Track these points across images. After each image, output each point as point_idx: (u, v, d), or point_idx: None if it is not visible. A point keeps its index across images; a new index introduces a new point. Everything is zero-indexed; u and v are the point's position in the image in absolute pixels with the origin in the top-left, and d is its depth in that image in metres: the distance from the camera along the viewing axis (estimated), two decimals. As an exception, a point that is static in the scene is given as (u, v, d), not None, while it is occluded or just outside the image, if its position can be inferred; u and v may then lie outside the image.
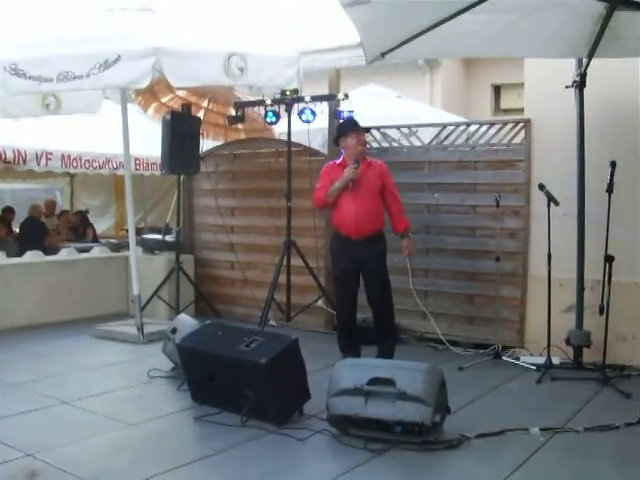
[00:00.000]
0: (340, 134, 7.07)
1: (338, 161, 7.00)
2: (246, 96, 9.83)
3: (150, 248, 9.96)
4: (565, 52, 6.71)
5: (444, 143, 8.25)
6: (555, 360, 6.87)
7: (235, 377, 5.28)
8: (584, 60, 6.78)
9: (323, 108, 8.58)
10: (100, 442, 4.91)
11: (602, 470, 4.48)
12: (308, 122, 8.45)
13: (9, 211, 14.12)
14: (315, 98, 8.50)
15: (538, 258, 7.29)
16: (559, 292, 7.02)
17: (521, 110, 8.33)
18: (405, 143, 8.52)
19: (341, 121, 7.85)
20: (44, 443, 4.79)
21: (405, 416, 4.68)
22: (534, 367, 6.85)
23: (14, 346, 7.84)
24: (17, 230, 13.51)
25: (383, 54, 6.59)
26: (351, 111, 8.26)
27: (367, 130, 7.31)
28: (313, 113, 8.44)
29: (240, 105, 9.22)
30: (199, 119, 9.79)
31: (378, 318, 7.00)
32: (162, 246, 9.89)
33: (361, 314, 7.93)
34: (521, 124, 7.74)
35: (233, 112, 9.39)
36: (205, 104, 11.15)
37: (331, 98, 8.57)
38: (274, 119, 8.79)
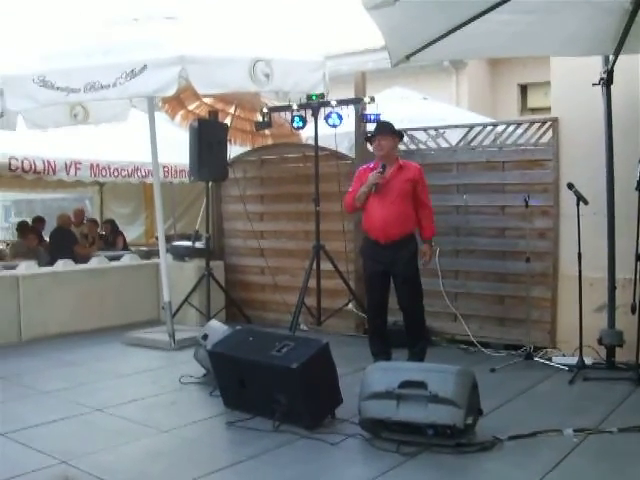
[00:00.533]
0: (368, 138, 7.14)
1: (371, 164, 7.00)
2: (272, 101, 9.84)
3: (180, 255, 10.01)
4: (591, 50, 6.68)
5: (472, 144, 8.22)
6: (587, 360, 6.81)
7: (267, 382, 5.29)
8: (610, 57, 6.74)
9: (349, 112, 8.58)
10: (134, 449, 4.94)
11: (638, 472, 4.43)
12: (335, 126, 8.45)
13: (39, 221, 14.26)
14: (341, 102, 8.51)
15: (568, 258, 7.25)
16: (590, 291, 6.98)
17: (548, 109, 8.28)
18: (432, 145, 8.49)
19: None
20: (78, 450, 4.82)
21: (437, 419, 4.67)
22: (566, 368, 6.80)
23: (47, 354, 7.91)
24: (47, 239, 13.61)
25: (408, 56, 6.60)
26: (378, 114, 8.25)
27: (401, 135, 7.23)
28: (340, 117, 8.44)
29: (267, 111, 9.25)
30: (226, 126, 9.84)
31: (408, 321, 6.97)
32: (192, 253, 9.93)
33: (392, 317, 7.92)
34: (548, 123, 7.70)
35: (260, 118, 9.42)
36: (232, 110, 11.19)
37: (357, 102, 8.56)
38: (301, 124, 8.81)
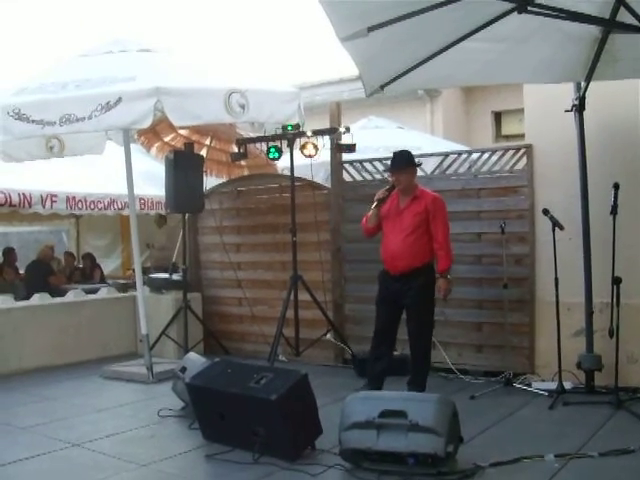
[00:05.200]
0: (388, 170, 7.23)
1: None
2: (248, 133, 9.87)
3: (157, 287, 9.96)
4: (563, 76, 6.76)
5: (447, 172, 8.27)
6: (567, 385, 6.83)
7: (246, 414, 5.26)
8: (582, 84, 6.83)
9: (325, 142, 8.61)
10: (112, 484, 4.89)
11: (619, 495, 4.44)
12: (310, 157, 8.47)
13: (10, 252, 14.05)
14: (317, 132, 8.54)
15: (545, 283, 7.28)
16: (568, 316, 7.01)
17: (522, 136, 8.37)
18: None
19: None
20: (56, 487, 4.77)
21: (418, 447, 4.65)
22: (546, 393, 6.81)
23: (23, 389, 7.82)
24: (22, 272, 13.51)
25: (382, 86, 6.65)
26: (353, 144, 8.30)
27: (417, 165, 7.14)
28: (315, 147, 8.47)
29: (242, 142, 9.27)
30: (202, 157, 9.84)
31: (411, 351, 6.94)
32: (169, 285, 9.89)
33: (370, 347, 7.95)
34: (522, 150, 7.76)
35: (235, 149, 9.44)
36: (207, 142, 11.20)
37: (332, 132, 8.60)
38: (276, 155, 8.82)
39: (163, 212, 12.23)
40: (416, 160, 7.05)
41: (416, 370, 6.93)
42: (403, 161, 6.91)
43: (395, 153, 7.07)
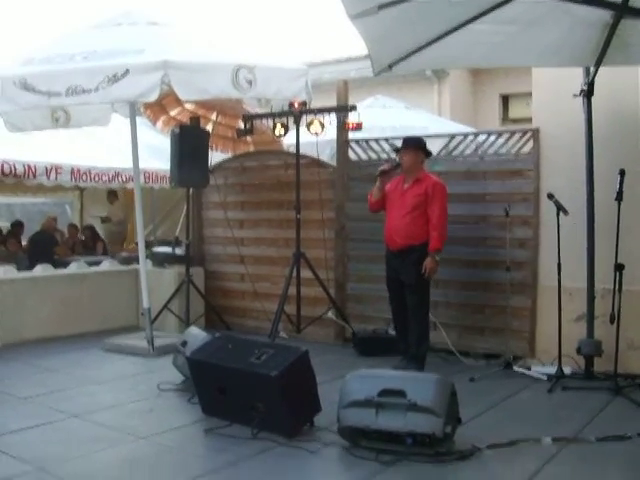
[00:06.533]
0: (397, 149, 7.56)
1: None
2: (254, 108, 9.83)
3: (160, 261, 9.98)
4: (572, 61, 6.72)
5: (453, 153, 8.25)
6: (566, 370, 6.84)
7: (245, 389, 5.27)
8: (591, 69, 6.79)
9: (331, 120, 8.59)
10: (111, 456, 4.90)
11: (615, 480, 4.45)
12: (316, 134, 8.45)
13: (18, 225, 14.18)
14: (323, 110, 8.51)
15: (548, 267, 7.27)
16: (569, 301, 7.01)
17: (529, 119, 8.32)
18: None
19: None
20: (55, 457, 4.79)
21: (416, 427, 4.67)
22: (545, 377, 6.82)
23: (24, 360, 7.84)
24: (25, 243, 13.55)
25: (390, 65, 6.62)
26: (359, 123, 8.29)
27: (427, 153, 7.43)
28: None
29: (248, 118, 9.24)
30: (208, 132, 9.82)
31: (411, 325, 7.19)
32: (172, 259, 9.91)
33: (372, 325, 8.01)
34: (529, 133, 7.74)
35: (242, 125, 9.42)
36: (214, 117, 11.18)
37: (339, 110, 8.57)
38: (282, 131, 8.80)
39: (116, 187, 12.71)
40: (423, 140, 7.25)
41: (416, 344, 7.13)
42: (410, 142, 7.28)
43: (405, 137, 7.53)
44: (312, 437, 5.19)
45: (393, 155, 8.38)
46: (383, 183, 7.35)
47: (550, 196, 6.89)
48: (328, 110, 8.54)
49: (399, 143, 8.19)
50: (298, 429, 5.24)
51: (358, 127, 8.39)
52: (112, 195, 14.51)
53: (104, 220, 15.00)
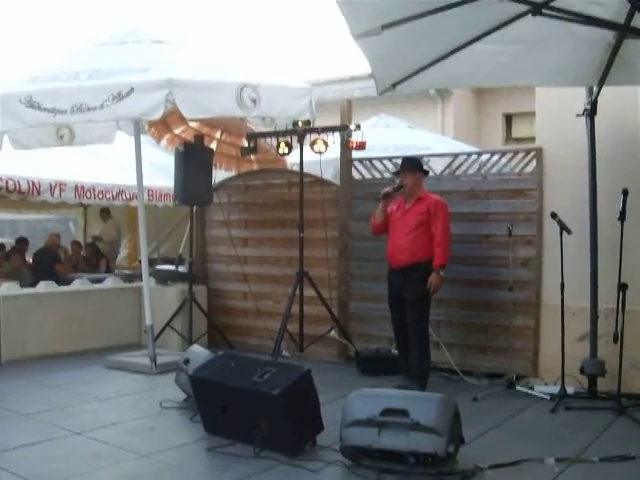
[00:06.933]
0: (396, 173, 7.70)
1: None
2: (258, 127, 9.87)
3: (163, 279, 9.98)
4: (575, 80, 6.75)
5: (456, 173, 8.26)
6: (569, 389, 6.82)
7: (248, 408, 5.27)
8: (594, 88, 6.81)
9: (335, 139, 8.61)
10: (113, 473, 4.89)
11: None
12: (320, 153, 8.48)
13: (23, 242, 14.20)
14: (327, 129, 8.54)
15: (551, 287, 7.26)
16: (572, 321, 6.99)
17: (533, 139, 8.36)
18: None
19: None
20: (56, 474, 4.78)
21: (418, 447, 4.66)
22: (548, 397, 6.81)
23: (26, 376, 7.84)
24: (30, 260, 13.56)
25: (394, 85, 6.64)
26: (363, 142, 8.34)
27: (423, 171, 7.55)
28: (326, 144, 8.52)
29: (252, 136, 9.27)
30: (212, 150, 9.85)
31: (410, 343, 7.23)
32: (175, 277, 9.90)
33: (374, 344, 8.01)
34: (532, 153, 7.75)
35: (245, 143, 9.44)
36: (218, 135, 11.22)
37: (343, 129, 8.59)
38: (286, 150, 8.83)
39: (106, 205, 12.88)
40: (425, 160, 7.29)
41: (417, 362, 7.16)
42: (410, 164, 7.39)
43: (403, 158, 7.66)
44: (314, 456, 5.17)
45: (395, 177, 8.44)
46: (385, 205, 7.41)
47: (553, 215, 6.90)
48: (332, 129, 8.56)
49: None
50: (300, 448, 5.23)
51: (361, 146, 8.43)
52: (105, 213, 14.59)
53: (95, 239, 15.03)
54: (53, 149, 9.87)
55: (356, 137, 8.49)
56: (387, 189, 7.36)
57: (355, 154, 8.93)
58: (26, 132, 8.71)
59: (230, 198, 10.18)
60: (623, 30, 5.72)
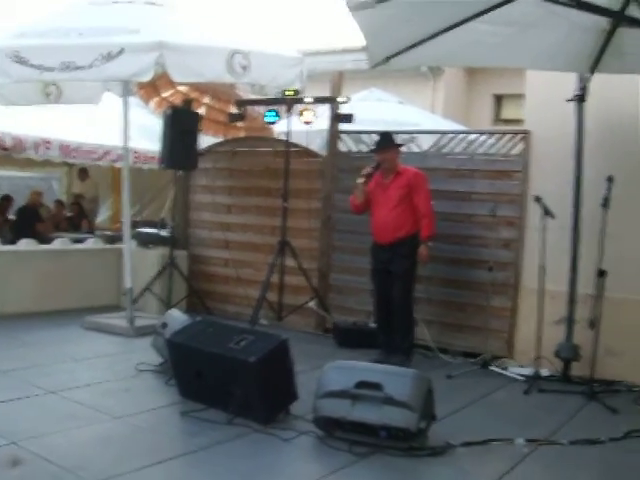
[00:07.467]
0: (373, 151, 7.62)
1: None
2: (248, 94, 9.81)
3: (144, 242, 9.95)
4: (567, 65, 6.72)
5: (442, 151, 8.26)
6: (543, 372, 6.87)
7: (223, 374, 5.28)
8: (586, 74, 6.80)
9: (324, 110, 8.59)
10: (85, 433, 4.91)
11: (585, 484, 4.48)
12: (308, 123, 8.46)
13: (6, 199, 14.09)
14: (316, 100, 8.51)
15: (531, 270, 7.29)
16: (550, 305, 7.02)
17: (521, 121, 8.35)
18: (404, 149, 8.50)
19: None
20: (29, 431, 4.78)
21: (391, 421, 4.69)
22: (522, 378, 6.86)
23: (4, 333, 7.81)
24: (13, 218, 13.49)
25: (388, 58, 6.60)
26: (350, 114, 8.32)
27: (399, 145, 7.62)
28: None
29: (241, 103, 9.22)
30: (200, 115, 9.79)
31: (395, 316, 7.28)
32: (156, 240, 9.88)
33: (352, 317, 8.03)
34: (520, 135, 7.75)
35: (234, 110, 9.40)
36: (206, 100, 11.15)
37: (332, 101, 8.57)
38: (274, 119, 8.80)
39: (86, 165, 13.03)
40: (413, 136, 7.26)
41: (401, 336, 7.26)
42: (387, 142, 7.38)
43: (380, 134, 7.60)
44: (287, 425, 5.20)
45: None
46: (365, 186, 7.38)
47: (537, 199, 6.90)
48: (321, 100, 8.54)
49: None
50: (274, 416, 5.25)
51: (349, 119, 8.41)
52: (83, 172, 14.53)
53: (77, 197, 14.97)
54: (40, 107, 9.78)
55: (345, 109, 8.48)
56: (368, 169, 7.32)
57: (343, 126, 8.90)
58: (13, 88, 8.63)
59: (215, 164, 10.14)
60: (617, 17, 5.70)
